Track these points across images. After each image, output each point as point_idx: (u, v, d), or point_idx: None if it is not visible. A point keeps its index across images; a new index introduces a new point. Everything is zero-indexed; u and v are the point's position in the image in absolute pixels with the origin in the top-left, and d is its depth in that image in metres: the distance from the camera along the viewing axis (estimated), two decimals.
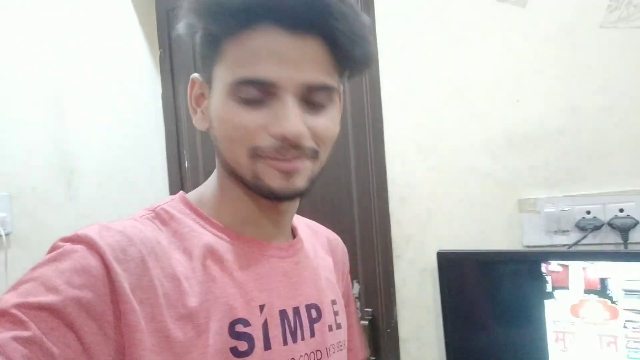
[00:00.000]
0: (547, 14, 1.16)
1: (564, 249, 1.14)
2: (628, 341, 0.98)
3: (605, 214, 1.11)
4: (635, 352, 0.98)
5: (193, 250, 0.55)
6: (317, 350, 0.60)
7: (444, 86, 1.27)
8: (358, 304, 1.48)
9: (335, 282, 0.72)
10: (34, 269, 0.47)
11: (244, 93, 0.52)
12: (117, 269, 0.47)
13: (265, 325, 0.55)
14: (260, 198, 0.58)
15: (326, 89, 0.55)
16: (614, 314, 1.00)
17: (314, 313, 0.62)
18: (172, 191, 1.80)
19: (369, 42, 0.56)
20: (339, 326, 0.66)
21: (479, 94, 1.24)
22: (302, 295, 0.62)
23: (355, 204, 1.47)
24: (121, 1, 1.70)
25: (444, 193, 1.28)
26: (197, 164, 1.80)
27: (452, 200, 1.27)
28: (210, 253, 0.56)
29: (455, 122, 1.26)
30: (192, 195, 0.63)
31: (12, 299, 0.44)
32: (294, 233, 0.68)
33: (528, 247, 1.19)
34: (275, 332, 0.56)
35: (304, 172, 0.56)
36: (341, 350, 0.66)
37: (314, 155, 0.56)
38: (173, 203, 0.60)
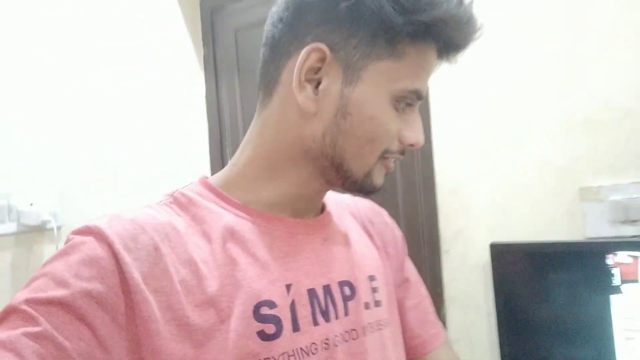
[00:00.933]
0: None
1: (635, 239, 1.04)
2: None
3: None
4: None
5: (212, 233, 0.53)
6: (352, 330, 0.57)
7: (498, 69, 1.21)
8: None
9: (375, 254, 0.67)
10: (45, 264, 0.47)
11: (405, 101, 0.53)
12: (127, 258, 0.46)
13: (292, 305, 0.52)
14: (321, 184, 0.58)
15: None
16: None
17: (347, 290, 0.58)
18: None
19: None
20: (377, 304, 0.62)
21: (535, 75, 1.16)
22: (333, 272, 0.58)
23: (400, 196, 1.41)
24: (167, 0, 1.74)
25: (498, 183, 1.21)
26: None
27: (507, 191, 1.19)
28: (231, 234, 0.53)
29: (510, 106, 1.19)
30: (215, 177, 0.60)
31: (22, 296, 0.44)
32: (322, 207, 0.65)
33: (591, 239, 1.09)
34: (304, 313, 0.53)
35: None
36: (381, 329, 0.61)
37: None
38: (192, 186, 0.58)
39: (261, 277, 0.52)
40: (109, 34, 1.53)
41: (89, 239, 0.47)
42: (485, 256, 1.13)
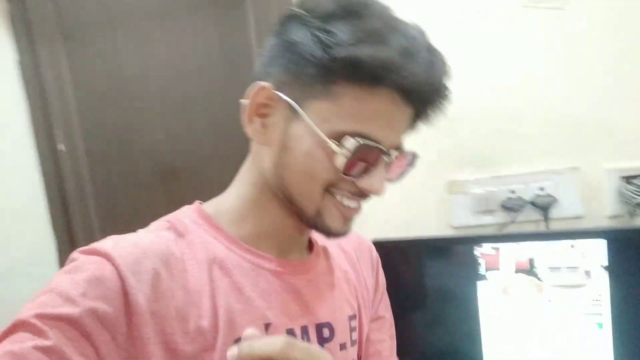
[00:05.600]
0: None
1: (494, 230, 1.17)
2: (552, 312, 1.06)
3: (528, 194, 1.15)
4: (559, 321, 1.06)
5: (204, 262, 0.55)
6: None
7: None
8: None
9: (358, 294, 0.69)
10: (51, 281, 0.48)
11: (349, 144, 0.52)
12: (132, 281, 0.48)
13: None
14: (295, 220, 0.59)
15: (407, 151, 0.60)
16: (540, 290, 1.06)
17: (325, 332, 0.61)
18: (48, 183, 1.49)
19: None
20: (353, 343, 0.65)
21: None
22: (313, 314, 0.60)
23: None
24: None
25: None
26: (76, 146, 1.51)
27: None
28: (220, 266, 0.56)
29: None
30: (209, 205, 0.62)
31: (31, 310, 0.45)
32: (311, 245, 0.67)
33: (456, 227, 1.20)
34: None
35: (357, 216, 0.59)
36: None
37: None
38: (188, 213, 0.60)
39: (244, 313, 0.54)
40: None
41: (95, 259, 0.49)
42: None
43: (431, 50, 0.54)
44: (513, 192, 1.15)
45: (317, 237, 0.68)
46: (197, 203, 0.62)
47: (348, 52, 0.49)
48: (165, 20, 1.39)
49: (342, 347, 0.63)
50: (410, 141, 1.17)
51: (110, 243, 0.51)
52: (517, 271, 1.07)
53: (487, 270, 1.08)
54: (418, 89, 0.52)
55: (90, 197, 1.53)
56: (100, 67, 1.43)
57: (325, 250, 0.69)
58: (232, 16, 1.33)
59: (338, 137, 0.52)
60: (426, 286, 1.14)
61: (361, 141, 0.52)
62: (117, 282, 0.48)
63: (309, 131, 0.53)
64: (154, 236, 0.55)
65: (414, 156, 0.61)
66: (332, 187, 0.55)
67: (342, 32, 0.50)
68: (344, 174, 0.54)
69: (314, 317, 0.60)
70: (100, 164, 1.51)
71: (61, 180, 1.50)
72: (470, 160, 1.18)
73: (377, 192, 0.56)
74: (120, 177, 1.50)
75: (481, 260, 1.08)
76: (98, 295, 0.46)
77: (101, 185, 1.52)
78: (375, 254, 0.79)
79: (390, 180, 0.59)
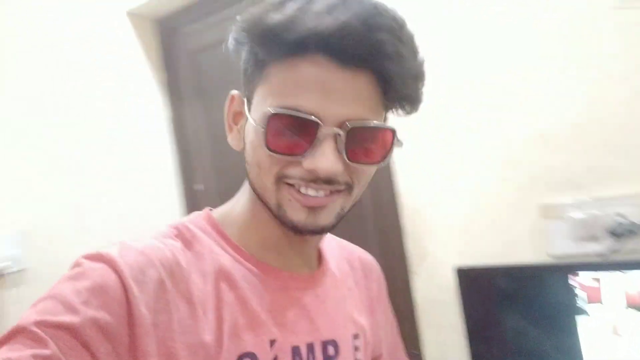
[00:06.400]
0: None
1: (597, 259, 1.02)
2: None
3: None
4: None
5: (210, 274, 0.54)
6: None
7: (455, 91, 1.18)
8: None
9: (362, 313, 0.68)
10: (53, 286, 0.48)
11: (283, 121, 0.50)
12: (135, 290, 0.47)
13: None
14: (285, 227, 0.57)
15: (373, 129, 0.52)
16: None
17: (330, 350, 0.59)
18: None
19: (421, 83, 0.54)
20: None
21: (491, 97, 1.14)
22: (319, 331, 0.59)
23: (371, 217, 1.39)
24: (122, 31, 1.69)
25: (459, 203, 1.19)
26: (210, 186, 1.76)
27: (469, 212, 1.17)
28: (226, 278, 0.54)
29: (468, 127, 1.17)
30: (218, 213, 0.61)
31: (31, 316, 0.44)
32: (320, 258, 0.66)
33: (554, 256, 1.08)
34: None
35: (332, 208, 0.54)
36: None
37: (348, 190, 0.55)
38: (197, 220, 0.59)
39: (249, 328, 0.53)
40: (73, 71, 1.49)
41: (100, 266, 0.48)
42: (453, 278, 1.11)
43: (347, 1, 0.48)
44: (621, 215, 1.00)
45: (326, 251, 0.67)
46: (206, 210, 0.61)
47: (257, 27, 0.50)
48: None
49: None
50: (495, 163, 1.12)
51: (116, 250, 0.50)
52: (629, 306, 0.91)
53: (587, 303, 0.94)
54: (335, 41, 0.47)
55: None
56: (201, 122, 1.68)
57: (332, 264, 0.67)
58: None
59: (267, 117, 0.50)
60: (515, 319, 1.04)
61: (272, 110, 0.49)
62: (120, 292, 0.47)
63: (251, 120, 0.53)
64: (161, 244, 0.53)
65: (391, 131, 0.54)
66: (284, 177, 0.52)
67: (254, 12, 0.50)
68: (270, 151, 0.51)
69: (319, 334, 0.59)
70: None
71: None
72: (567, 180, 1.06)
73: (322, 170, 0.50)
74: None
75: (579, 292, 0.95)
76: (100, 304, 0.46)
77: None
78: (382, 275, 0.76)
79: (363, 162, 0.53)
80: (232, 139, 0.59)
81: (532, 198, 1.10)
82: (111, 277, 0.47)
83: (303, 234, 0.55)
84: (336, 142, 0.50)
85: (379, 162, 0.55)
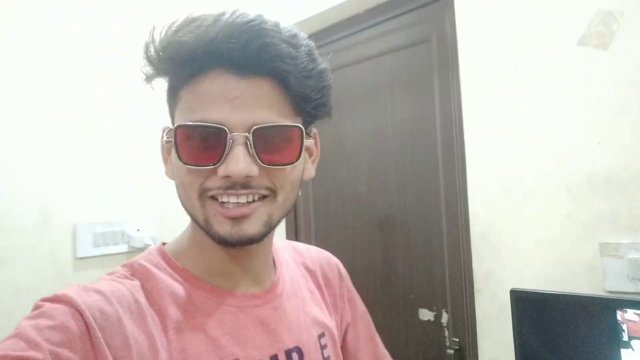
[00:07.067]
0: (630, 56, 1.13)
1: None
2: None
3: None
4: None
5: (167, 307, 0.55)
6: None
7: (527, 128, 1.30)
8: (446, 332, 1.54)
9: (326, 313, 0.70)
10: (16, 327, 0.48)
11: (192, 133, 0.53)
12: (96, 328, 0.48)
13: None
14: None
15: (280, 129, 0.54)
16: None
17: (295, 357, 0.61)
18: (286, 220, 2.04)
19: (321, 84, 0.56)
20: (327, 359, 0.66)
21: (561, 136, 1.24)
22: (282, 341, 0.60)
23: (445, 236, 1.54)
24: None
25: (524, 231, 1.30)
26: (307, 193, 2.02)
27: (532, 240, 1.28)
28: (184, 309, 0.56)
29: (537, 163, 1.28)
30: (171, 245, 0.63)
31: None
32: (275, 265, 0.68)
33: (610, 292, 1.16)
34: None
35: (257, 216, 0.55)
36: None
37: (271, 195, 0.56)
38: (150, 256, 0.60)
39: (210, 353, 0.54)
40: (73, 71, 1.57)
41: (59, 307, 0.49)
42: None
43: (221, 16, 0.52)
44: None
45: (281, 260, 0.69)
46: (160, 244, 0.63)
47: (158, 58, 0.54)
48: (372, 99, 1.80)
49: None
50: (561, 200, 1.22)
51: (73, 290, 0.50)
52: None
53: (630, 338, 1.02)
54: (226, 52, 0.50)
55: (313, 232, 2.02)
56: (328, 134, 1.91)
57: (288, 272, 0.68)
58: (422, 92, 1.64)
59: (187, 135, 0.54)
60: (563, 344, 1.13)
61: (177, 123, 0.54)
62: (80, 329, 0.47)
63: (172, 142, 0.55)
64: (117, 284, 0.55)
65: (298, 128, 0.55)
66: (206, 190, 0.54)
67: (150, 46, 0.54)
68: (184, 163, 0.53)
69: (282, 344, 0.60)
70: (322, 206, 1.98)
71: (295, 216, 2.05)
72: (628, 222, 1.14)
73: (236, 173, 0.51)
74: (335, 217, 1.94)
75: (624, 326, 1.03)
76: (61, 341, 0.46)
77: (321, 223, 1.99)
78: (343, 269, 0.78)
79: (277, 163, 0.54)
80: (167, 171, 0.61)
81: (594, 235, 1.19)
82: (71, 317, 0.48)
83: (233, 246, 0.55)
84: (247, 147, 0.52)
85: (293, 161, 0.55)
